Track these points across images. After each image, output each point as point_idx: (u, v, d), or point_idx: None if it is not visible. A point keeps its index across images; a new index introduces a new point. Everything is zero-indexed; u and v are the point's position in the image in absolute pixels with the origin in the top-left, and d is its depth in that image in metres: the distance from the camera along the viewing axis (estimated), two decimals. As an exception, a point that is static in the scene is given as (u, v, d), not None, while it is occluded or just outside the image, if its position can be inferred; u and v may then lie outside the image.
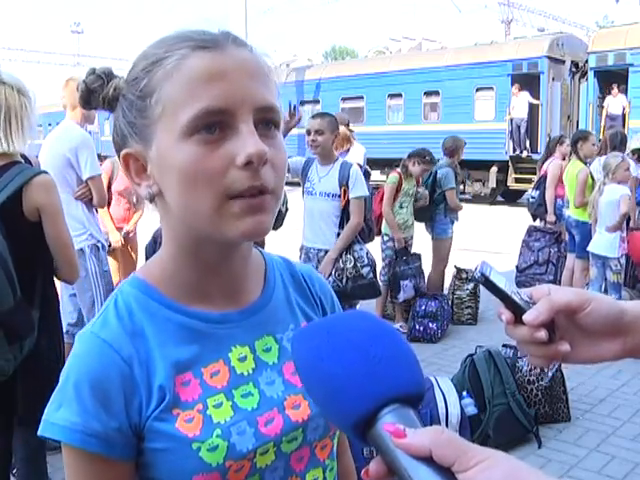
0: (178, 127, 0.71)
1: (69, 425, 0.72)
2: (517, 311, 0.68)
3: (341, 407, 0.55)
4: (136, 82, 0.76)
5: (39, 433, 0.75)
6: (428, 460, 0.50)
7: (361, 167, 5.27)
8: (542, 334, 0.67)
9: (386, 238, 5.51)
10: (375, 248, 5.19)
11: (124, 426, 0.74)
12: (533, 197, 7.20)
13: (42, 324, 2.34)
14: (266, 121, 0.75)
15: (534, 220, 7.20)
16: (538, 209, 7.01)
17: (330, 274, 3.99)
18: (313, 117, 4.11)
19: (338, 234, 4.05)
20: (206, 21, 0.79)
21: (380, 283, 5.41)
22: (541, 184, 6.95)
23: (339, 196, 4.03)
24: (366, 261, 4.10)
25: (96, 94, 0.80)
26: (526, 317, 0.67)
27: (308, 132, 4.03)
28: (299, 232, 4.32)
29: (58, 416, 0.73)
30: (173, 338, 0.78)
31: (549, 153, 7.01)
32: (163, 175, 0.75)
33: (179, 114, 0.71)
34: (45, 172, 2.41)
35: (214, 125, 0.71)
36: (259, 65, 0.76)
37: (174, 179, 0.73)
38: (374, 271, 4.20)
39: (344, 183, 4.00)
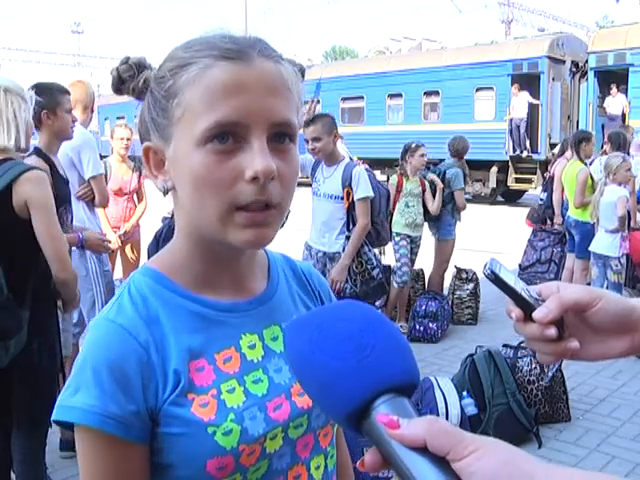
0: (194, 134, 0.74)
1: (87, 408, 0.73)
2: (526, 308, 0.68)
3: (334, 399, 0.55)
4: (162, 81, 0.78)
5: (53, 418, 0.75)
6: (423, 450, 0.50)
7: None
8: (552, 332, 0.67)
9: (397, 238, 5.48)
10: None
11: (142, 410, 0.75)
12: (542, 199, 7.22)
13: (34, 325, 2.32)
14: (280, 134, 0.76)
15: (543, 223, 7.16)
16: (547, 211, 7.01)
17: (346, 281, 3.95)
18: (306, 124, 3.98)
19: (347, 237, 4.01)
20: (236, 29, 0.80)
21: (395, 284, 5.42)
22: (549, 186, 6.94)
23: (342, 198, 3.98)
24: (375, 263, 4.07)
25: (127, 83, 0.83)
26: (536, 315, 0.67)
27: (306, 140, 3.95)
28: (302, 233, 4.31)
29: (75, 400, 0.74)
30: (186, 325, 0.81)
31: (561, 152, 6.97)
32: (178, 175, 0.78)
33: (196, 122, 0.74)
34: (37, 168, 2.38)
35: (227, 135, 0.73)
36: (282, 79, 0.77)
37: (187, 182, 0.76)
38: (382, 272, 4.18)
39: (347, 185, 3.94)
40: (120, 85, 0.84)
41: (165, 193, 0.82)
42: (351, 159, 5.28)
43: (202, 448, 0.76)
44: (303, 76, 0.88)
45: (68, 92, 3.10)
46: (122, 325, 0.77)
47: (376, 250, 5.61)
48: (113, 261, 4.79)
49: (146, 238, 4.86)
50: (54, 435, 2.78)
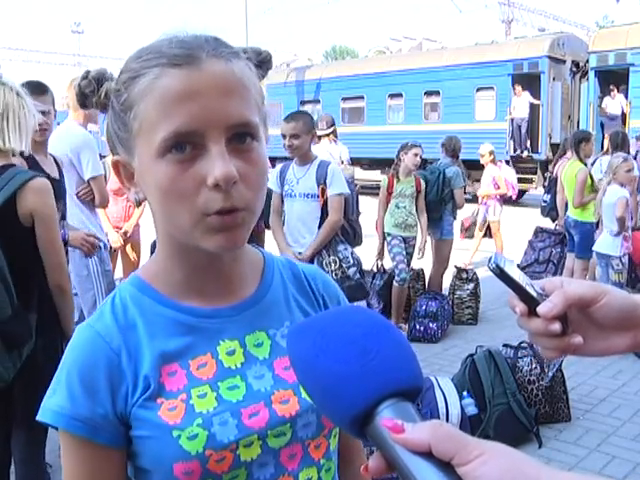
0: (153, 146, 0.74)
1: (58, 409, 0.77)
2: (530, 303, 0.68)
3: (338, 404, 0.54)
4: (119, 94, 0.78)
5: (37, 418, 0.79)
6: (428, 454, 0.49)
7: None
8: (556, 327, 0.67)
9: (389, 238, 5.48)
10: (366, 250, 5.19)
11: (110, 413, 0.77)
12: (545, 201, 7.20)
13: (39, 325, 2.33)
14: (240, 135, 0.75)
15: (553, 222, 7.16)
16: (551, 213, 6.99)
17: None
18: (286, 120, 3.89)
19: None
20: (185, 22, 0.79)
21: (396, 284, 5.41)
22: (552, 187, 6.92)
23: (318, 196, 3.92)
24: (352, 261, 3.97)
25: (89, 98, 0.83)
26: (540, 309, 0.67)
27: (283, 136, 3.85)
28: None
29: (51, 401, 0.78)
30: (163, 331, 0.81)
31: (562, 153, 6.93)
32: (145, 187, 0.79)
33: (153, 134, 0.74)
34: (40, 175, 2.38)
35: (184, 144, 0.73)
36: (235, 77, 0.75)
37: (154, 194, 0.77)
38: (361, 271, 4.08)
39: (322, 182, 3.88)
40: (84, 100, 0.84)
41: (138, 205, 0.83)
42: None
43: (167, 451, 0.76)
44: (271, 63, 0.86)
45: (33, 92, 3.03)
46: (98, 331, 0.80)
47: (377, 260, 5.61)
48: (114, 261, 4.80)
49: (146, 238, 4.86)
50: (55, 435, 2.78)
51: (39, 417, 0.79)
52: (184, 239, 0.78)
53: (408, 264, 5.58)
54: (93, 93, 0.82)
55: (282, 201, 4.08)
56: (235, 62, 0.76)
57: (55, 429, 0.79)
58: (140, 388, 0.78)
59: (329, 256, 3.94)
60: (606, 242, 5.17)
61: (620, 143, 6.34)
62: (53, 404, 0.78)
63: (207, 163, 0.72)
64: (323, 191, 3.90)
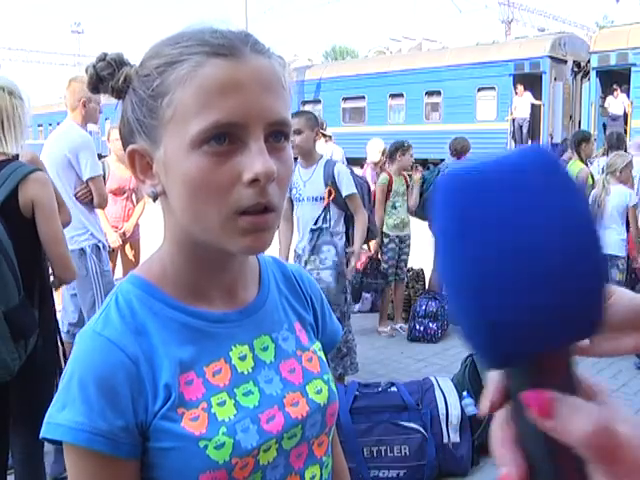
0: (188, 136, 0.70)
1: (74, 425, 0.71)
2: None
3: (504, 343, 0.38)
4: (148, 80, 0.73)
5: (41, 435, 0.73)
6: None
7: None
8: None
9: (386, 240, 5.45)
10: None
11: (131, 425, 0.73)
12: None
13: (40, 323, 2.33)
14: (277, 133, 0.73)
15: None
16: None
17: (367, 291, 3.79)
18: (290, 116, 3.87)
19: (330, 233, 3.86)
20: (223, 22, 0.75)
21: (386, 285, 5.42)
22: None
23: (324, 198, 3.80)
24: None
25: (105, 82, 0.78)
26: None
27: None
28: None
29: (62, 417, 0.72)
30: (176, 337, 0.78)
31: (561, 154, 6.94)
32: (169, 180, 0.74)
33: (190, 123, 0.70)
34: (39, 170, 2.40)
35: (223, 135, 0.70)
36: (276, 75, 0.74)
37: (181, 188, 0.72)
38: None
39: (329, 183, 3.78)
40: (97, 84, 0.78)
41: (155, 199, 0.77)
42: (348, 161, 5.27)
43: (194, 463, 0.74)
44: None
45: None
46: (109, 338, 0.75)
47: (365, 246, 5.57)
48: (114, 261, 4.79)
49: (145, 237, 4.85)
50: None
51: (47, 435, 0.73)
52: (207, 239, 0.74)
53: (405, 264, 5.60)
54: (111, 76, 0.77)
55: (292, 206, 3.96)
56: (274, 59, 0.75)
57: (56, 445, 0.74)
58: (161, 398, 0.74)
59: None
60: (610, 242, 5.16)
61: (615, 143, 6.36)
62: (66, 420, 0.71)
63: (245, 158, 0.70)
64: (330, 193, 3.78)
